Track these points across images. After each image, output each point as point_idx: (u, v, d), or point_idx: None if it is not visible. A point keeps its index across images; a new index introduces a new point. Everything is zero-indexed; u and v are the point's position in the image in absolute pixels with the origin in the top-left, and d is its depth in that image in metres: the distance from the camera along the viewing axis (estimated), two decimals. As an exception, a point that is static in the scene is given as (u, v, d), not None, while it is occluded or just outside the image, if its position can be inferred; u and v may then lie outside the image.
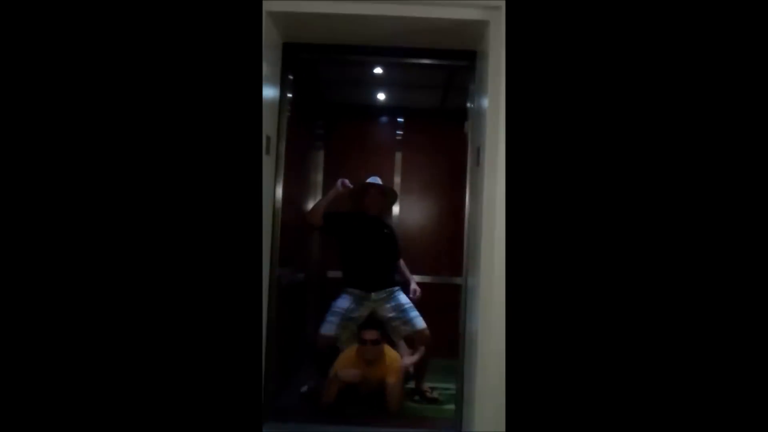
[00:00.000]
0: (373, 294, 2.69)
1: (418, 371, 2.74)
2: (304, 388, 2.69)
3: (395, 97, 3.51)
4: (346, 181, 2.69)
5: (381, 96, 3.49)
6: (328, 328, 2.65)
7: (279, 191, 2.20)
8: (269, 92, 2.02)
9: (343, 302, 2.69)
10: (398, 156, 3.65)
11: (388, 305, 2.71)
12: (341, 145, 3.65)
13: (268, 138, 2.02)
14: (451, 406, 2.45)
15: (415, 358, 2.56)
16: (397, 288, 2.77)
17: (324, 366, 2.54)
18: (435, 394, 2.69)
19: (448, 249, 3.41)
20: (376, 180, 2.87)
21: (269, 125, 2.05)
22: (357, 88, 3.43)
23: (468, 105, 2.23)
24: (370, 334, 2.46)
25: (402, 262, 2.95)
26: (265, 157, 1.97)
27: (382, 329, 2.54)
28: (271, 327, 2.15)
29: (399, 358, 2.54)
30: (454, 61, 2.29)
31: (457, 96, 3.09)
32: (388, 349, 2.54)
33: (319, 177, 3.63)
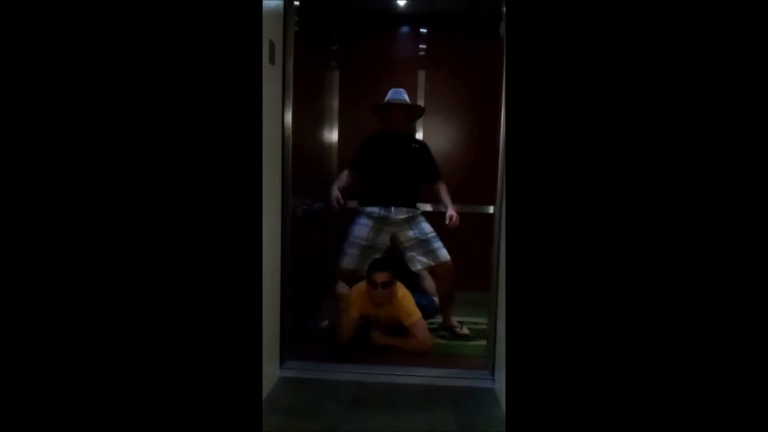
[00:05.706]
0: (393, 210, 2.49)
1: (445, 305, 2.60)
2: (325, 324, 2.58)
3: (417, 4, 3.15)
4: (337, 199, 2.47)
5: (401, 1, 3.12)
6: (348, 260, 2.49)
7: (288, 116, 1.96)
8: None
9: (361, 230, 2.51)
10: (421, 75, 3.32)
11: (410, 232, 2.52)
12: (358, 65, 3.34)
13: (272, 44, 1.74)
14: (482, 342, 2.32)
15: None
16: (419, 213, 2.59)
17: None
18: (465, 330, 2.56)
19: (478, 176, 3.16)
20: (400, 92, 2.64)
21: (273, 33, 1.76)
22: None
23: (504, 9, 1.95)
24: (381, 276, 2.23)
25: (442, 187, 2.68)
26: (269, 67, 1.70)
27: (394, 269, 2.31)
28: (286, 259, 1.99)
29: (409, 295, 2.34)
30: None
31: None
32: (399, 287, 2.33)
33: (335, 102, 3.36)
